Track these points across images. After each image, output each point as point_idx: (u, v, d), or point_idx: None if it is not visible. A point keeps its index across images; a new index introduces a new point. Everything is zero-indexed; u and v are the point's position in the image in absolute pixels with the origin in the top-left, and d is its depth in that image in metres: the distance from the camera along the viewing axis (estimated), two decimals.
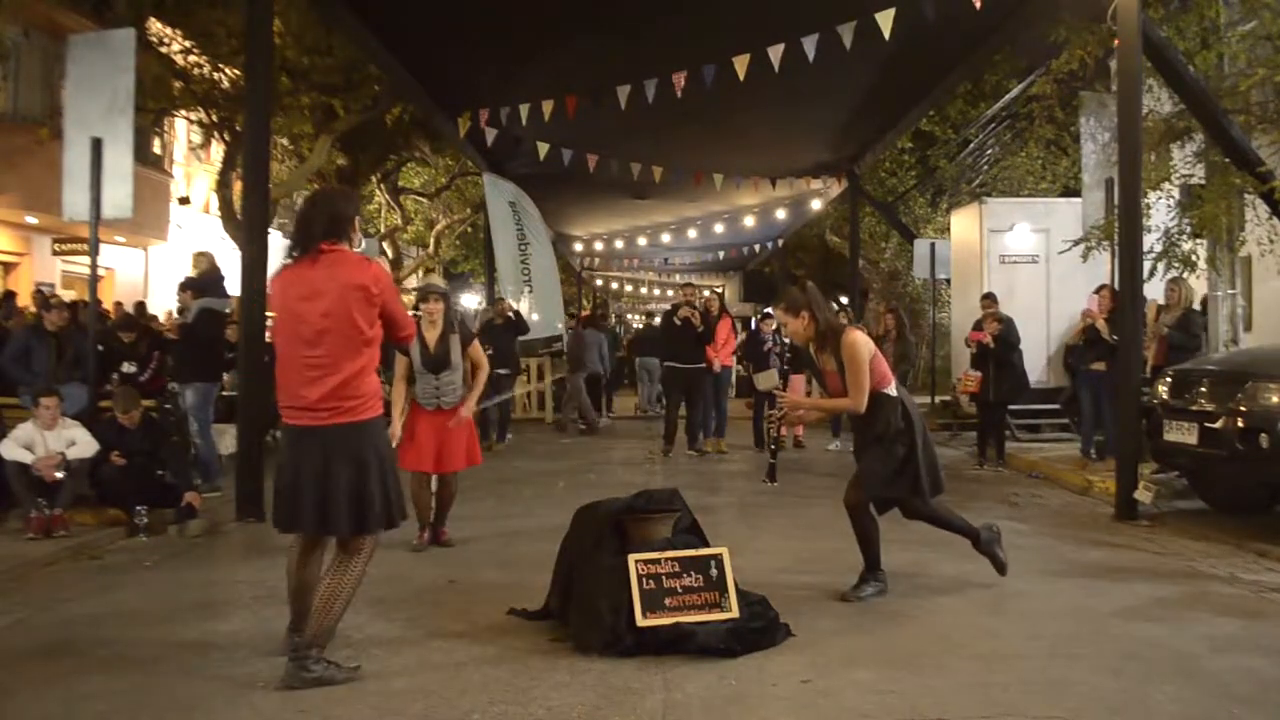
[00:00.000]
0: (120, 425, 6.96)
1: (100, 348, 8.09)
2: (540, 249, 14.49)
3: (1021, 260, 12.85)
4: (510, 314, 12.39)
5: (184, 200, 19.17)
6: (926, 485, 4.88)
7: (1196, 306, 9.24)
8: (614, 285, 33.22)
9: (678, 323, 11.08)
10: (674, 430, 11.15)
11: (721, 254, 24.65)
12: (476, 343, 6.38)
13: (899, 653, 4.05)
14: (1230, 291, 10.35)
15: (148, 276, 18.55)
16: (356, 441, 3.67)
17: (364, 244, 3.89)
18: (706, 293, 14.82)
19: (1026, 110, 13.87)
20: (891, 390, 4.90)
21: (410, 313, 5.08)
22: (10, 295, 12.04)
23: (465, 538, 6.56)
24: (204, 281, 8.92)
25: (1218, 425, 6.33)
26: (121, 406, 6.99)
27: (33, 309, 10.88)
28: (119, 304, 14.12)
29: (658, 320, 14.98)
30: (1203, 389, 6.73)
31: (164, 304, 15.09)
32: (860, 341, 4.80)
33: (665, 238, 20.94)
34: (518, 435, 13.20)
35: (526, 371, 16.25)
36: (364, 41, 9.71)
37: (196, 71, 13.08)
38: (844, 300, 20.37)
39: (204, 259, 9.21)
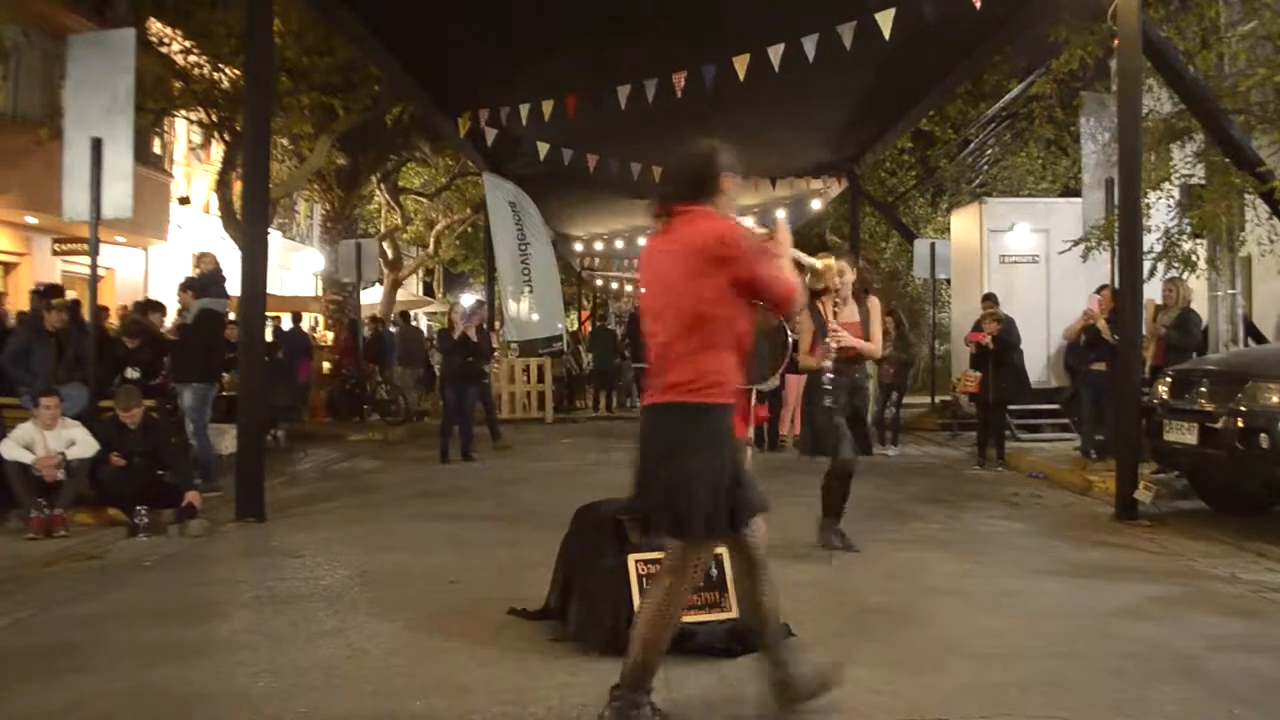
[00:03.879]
0: (121, 425, 6.95)
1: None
2: (540, 249, 14.50)
3: (1021, 260, 12.86)
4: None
5: (184, 200, 19.18)
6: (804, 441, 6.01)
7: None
8: (614, 285, 33.19)
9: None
10: None
11: None
12: None
13: (899, 653, 4.05)
14: (1230, 291, 10.36)
15: (148, 276, 18.53)
16: (675, 427, 3.12)
17: (731, 212, 3.37)
18: None
19: (1026, 110, 13.89)
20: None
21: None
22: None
23: (465, 538, 6.57)
24: (204, 281, 8.91)
25: (1218, 425, 6.34)
26: (123, 404, 6.98)
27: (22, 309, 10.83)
28: (152, 302, 14.02)
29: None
30: (1203, 389, 6.73)
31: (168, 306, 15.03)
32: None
33: None
34: (518, 435, 13.21)
35: (527, 371, 16.28)
36: (364, 41, 9.71)
37: (196, 71, 13.09)
38: None
39: (206, 259, 9.21)
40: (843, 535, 5.94)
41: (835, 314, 5.83)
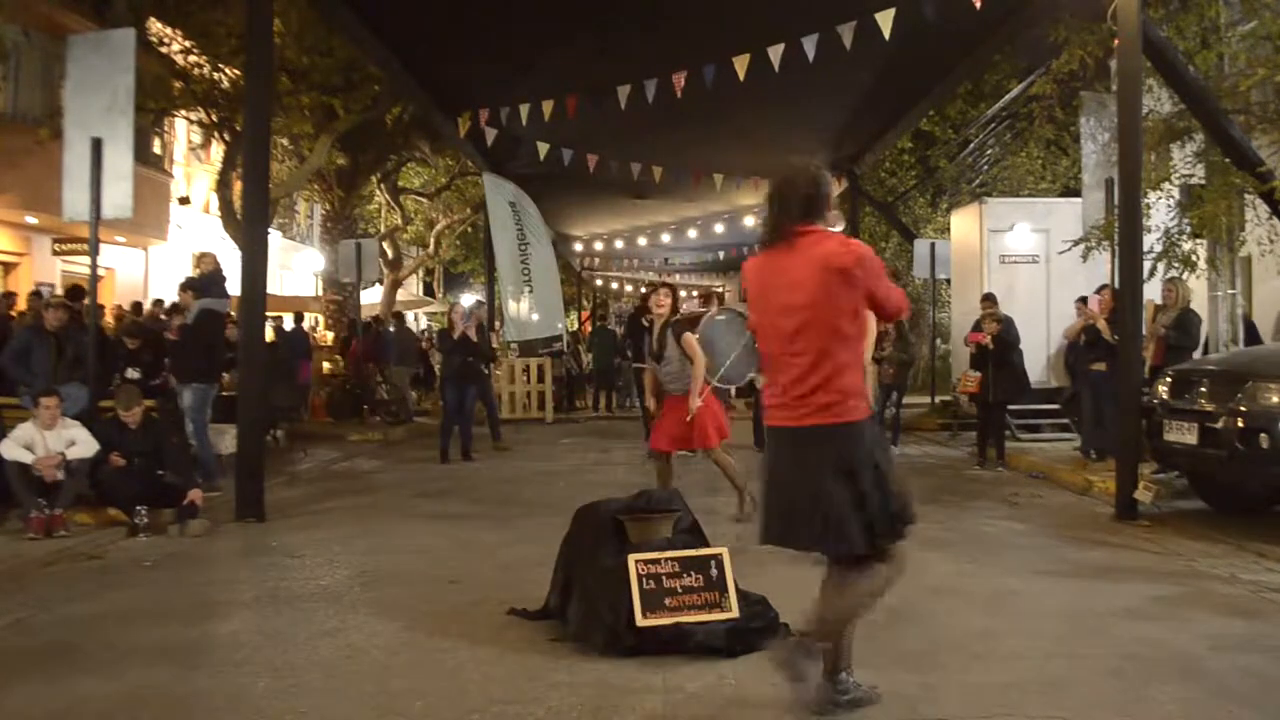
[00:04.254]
0: (121, 425, 6.95)
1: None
2: (540, 249, 14.49)
3: (1021, 260, 12.85)
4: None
5: (184, 200, 19.18)
6: None
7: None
8: (614, 285, 33.23)
9: (645, 324, 11.01)
10: None
11: (721, 254, 24.64)
12: (688, 335, 6.78)
13: (899, 653, 4.05)
14: (1230, 291, 10.37)
15: (148, 276, 18.54)
16: (836, 445, 3.24)
17: (840, 224, 3.59)
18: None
19: (1026, 110, 13.86)
20: None
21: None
22: (10, 295, 12.05)
23: (465, 538, 6.57)
24: (204, 281, 8.91)
25: (1218, 425, 6.34)
26: (123, 404, 6.98)
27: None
28: (176, 306, 14.04)
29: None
30: (1203, 389, 6.73)
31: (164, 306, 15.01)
32: None
33: (665, 238, 20.94)
34: (518, 435, 13.21)
35: (529, 371, 16.29)
36: (364, 41, 9.71)
37: (196, 71, 13.08)
38: None
39: (207, 259, 9.21)
40: None
41: None
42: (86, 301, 9.17)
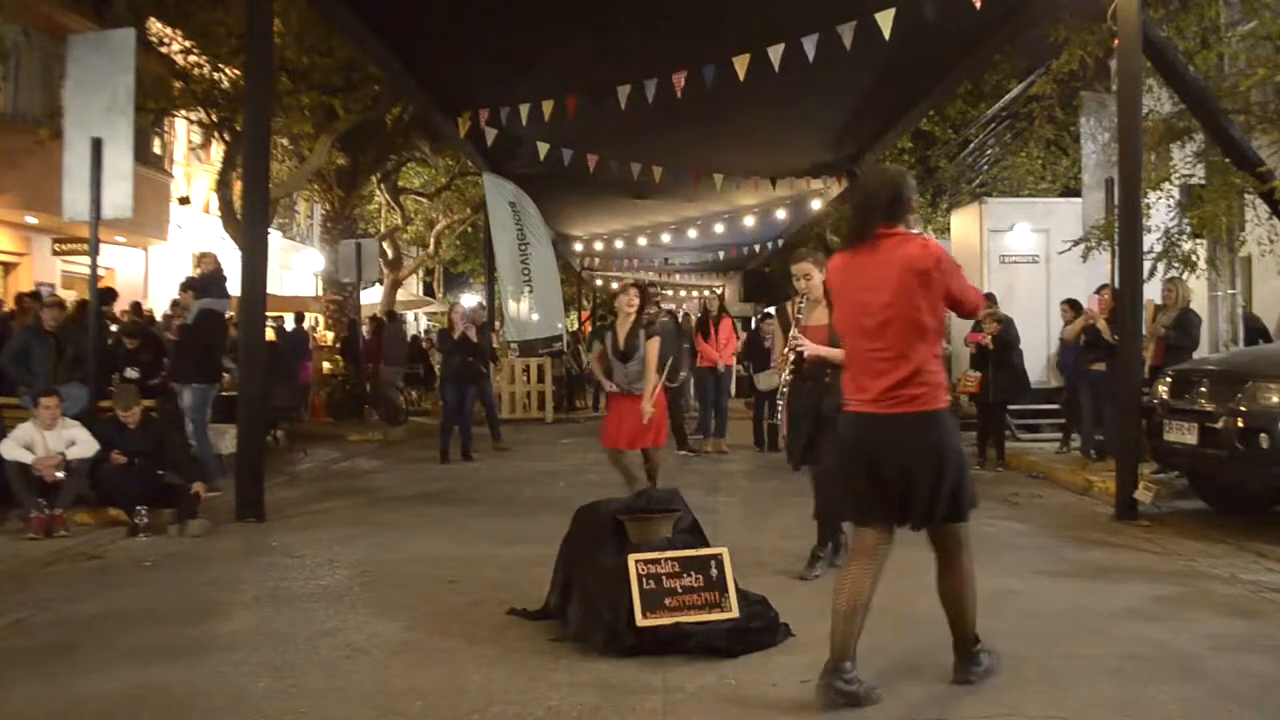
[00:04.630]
0: (121, 424, 6.95)
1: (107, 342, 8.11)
2: (540, 249, 14.49)
3: (1021, 260, 12.85)
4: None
5: (184, 200, 19.17)
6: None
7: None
8: (614, 285, 33.24)
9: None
10: None
11: (721, 254, 24.64)
12: (655, 340, 6.75)
13: (899, 652, 4.05)
14: (1230, 291, 10.36)
15: (148, 276, 18.53)
16: (924, 432, 3.43)
17: (918, 226, 3.78)
18: (706, 292, 14.78)
19: (1026, 110, 13.87)
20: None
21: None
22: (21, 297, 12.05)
23: (465, 538, 6.57)
24: (205, 282, 8.91)
25: (1218, 425, 6.34)
26: (122, 405, 6.99)
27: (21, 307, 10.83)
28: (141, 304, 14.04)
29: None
30: (1203, 389, 6.73)
31: (163, 305, 15.02)
32: None
33: (665, 238, 20.92)
34: (518, 435, 13.21)
35: (527, 370, 16.29)
36: (364, 41, 9.70)
37: (196, 71, 13.08)
38: None
39: (207, 259, 9.21)
40: (818, 559, 5.55)
41: (798, 319, 5.31)
42: (114, 306, 9.17)
